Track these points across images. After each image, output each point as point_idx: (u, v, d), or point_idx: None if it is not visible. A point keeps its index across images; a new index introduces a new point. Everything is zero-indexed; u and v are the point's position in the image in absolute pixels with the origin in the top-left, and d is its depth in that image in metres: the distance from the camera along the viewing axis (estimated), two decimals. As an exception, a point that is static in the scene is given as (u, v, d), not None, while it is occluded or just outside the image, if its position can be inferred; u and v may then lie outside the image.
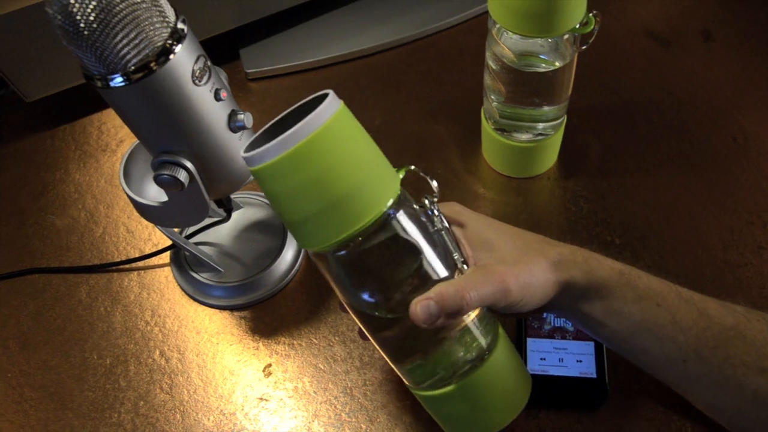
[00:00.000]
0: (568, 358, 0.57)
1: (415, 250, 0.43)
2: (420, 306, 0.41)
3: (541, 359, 0.57)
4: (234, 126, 0.52)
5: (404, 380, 0.48)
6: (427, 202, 0.45)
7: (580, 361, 0.57)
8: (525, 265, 0.45)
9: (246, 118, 0.52)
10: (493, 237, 0.47)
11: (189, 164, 0.50)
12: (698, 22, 0.82)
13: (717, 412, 0.49)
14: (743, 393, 0.45)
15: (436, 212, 0.45)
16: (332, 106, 0.39)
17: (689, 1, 0.84)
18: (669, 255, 0.63)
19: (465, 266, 0.45)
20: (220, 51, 0.81)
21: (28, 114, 0.82)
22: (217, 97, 0.50)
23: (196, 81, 0.48)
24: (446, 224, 0.45)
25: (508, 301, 0.44)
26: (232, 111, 0.52)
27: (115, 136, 0.79)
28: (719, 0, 0.84)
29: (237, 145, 0.53)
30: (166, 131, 0.49)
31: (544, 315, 0.59)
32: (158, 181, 0.50)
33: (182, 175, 0.50)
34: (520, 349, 0.58)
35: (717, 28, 0.81)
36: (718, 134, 0.71)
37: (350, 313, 0.46)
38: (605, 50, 0.80)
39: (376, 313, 0.44)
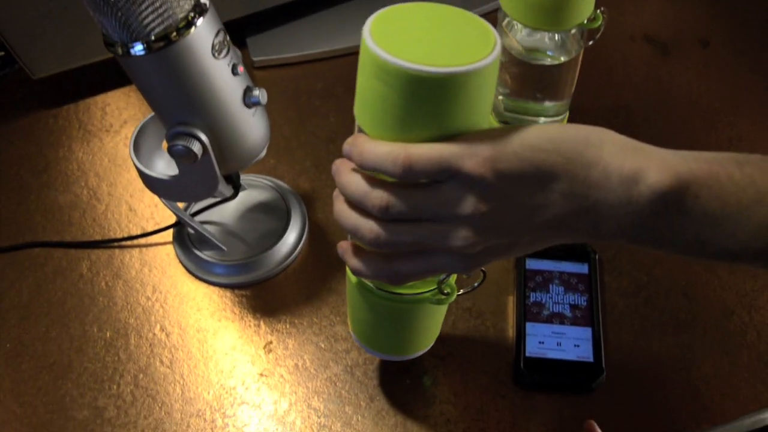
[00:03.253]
0: (565, 343, 0.58)
1: None
2: None
3: (540, 343, 0.58)
4: (249, 101, 0.52)
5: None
6: None
7: (578, 346, 0.58)
8: None
9: (261, 94, 0.53)
10: None
11: (203, 136, 0.51)
12: (697, 30, 0.84)
13: None
14: None
15: None
16: None
17: (688, 11, 0.87)
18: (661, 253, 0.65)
19: None
20: (227, 37, 0.82)
21: (32, 92, 0.82)
22: (234, 72, 0.51)
23: (216, 54, 0.49)
24: None
25: None
26: (248, 87, 0.53)
27: (119, 117, 0.79)
28: (717, 11, 0.87)
29: (251, 120, 0.53)
30: (183, 102, 0.50)
31: (543, 301, 0.61)
32: (172, 151, 0.51)
33: (196, 147, 0.51)
34: (520, 332, 0.59)
35: (714, 36, 0.83)
36: (714, 136, 0.74)
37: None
38: (606, 55, 0.82)
39: None
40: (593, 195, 0.36)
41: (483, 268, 0.47)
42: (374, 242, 0.38)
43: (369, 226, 0.38)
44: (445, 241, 0.38)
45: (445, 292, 0.46)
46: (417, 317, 0.51)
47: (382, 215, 0.37)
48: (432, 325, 0.54)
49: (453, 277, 0.47)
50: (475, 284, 0.50)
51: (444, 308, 0.53)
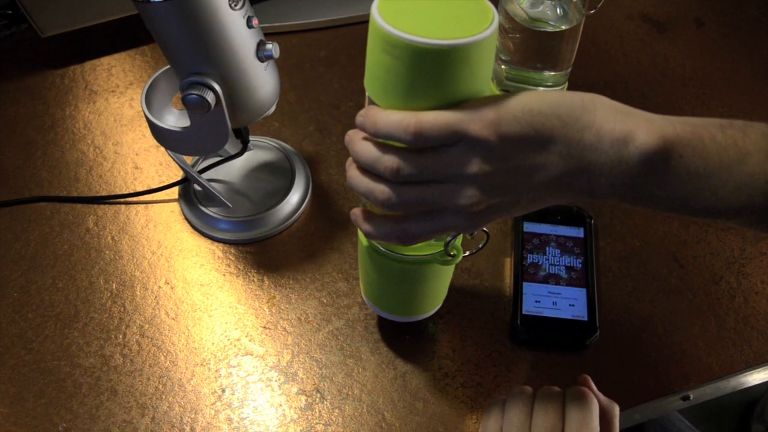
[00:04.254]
0: (561, 302, 0.60)
1: None
2: None
3: (536, 302, 0.60)
4: (262, 55, 0.54)
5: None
6: None
7: (573, 305, 0.60)
8: None
9: (274, 48, 0.54)
10: None
11: (217, 86, 0.52)
12: (692, 10, 0.87)
13: None
14: None
15: None
16: None
17: (684, -9, 0.89)
18: (658, 215, 0.67)
19: None
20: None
21: (39, 52, 0.83)
22: (249, 24, 0.52)
23: (232, 5, 0.50)
24: None
25: None
26: (261, 40, 0.54)
27: (124, 79, 0.80)
28: (712, -8, 0.89)
29: (263, 74, 0.55)
30: (198, 51, 0.51)
31: (540, 262, 0.62)
32: (186, 100, 0.52)
33: (210, 96, 0.52)
34: (517, 291, 0.61)
35: (709, 16, 0.86)
36: (707, 112, 0.76)
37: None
38: (604, 32, 0.84)
39: None
40: (587, 156, 0.39)
41: (487, 230, 0.48)
42: (386, 203, 0.41)
43: (381, 189, 0.41)
44: (453, 200, 0.40)
45: (452, 253, 0.49)
46: (425, 278, 0.53)
47: (393, 178, 0.40)
48: (439, 286, 0.56)
49: (459, 239, 0.50)
50: (480, 245, 0.52)
51: (450, 270, 0.55)
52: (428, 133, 0.38)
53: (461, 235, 0.51)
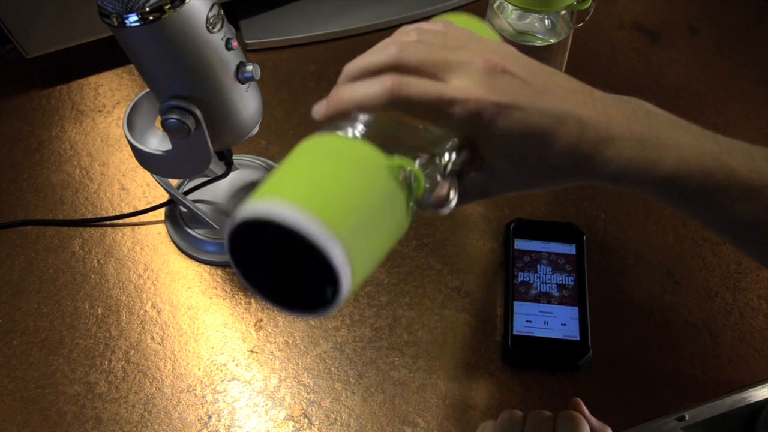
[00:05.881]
0: (552, 322, 0.59)
1: None
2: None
3: (527, 321, 0.59)
4: (242, 77, 0.53)
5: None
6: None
7: (565, 325, 0.59)
8: None
9: (254, 69, 0.53)
10: None
11: (196, 110, 0.51)
12: (685, 18, 0.85)
13: None
14: None
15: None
16: None
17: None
18: (652, 230, 0.66)
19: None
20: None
21: (26, 72, 0.82)
22: (228, 47, 0.51)
23: (210, 28, 0.49)
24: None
25: None
26: (241, 62, 0.53)
27: (111, 98, 0.80)
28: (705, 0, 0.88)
29: (243, 96, 0.54)
30: (176, 75, 0.50)
31: (531, 281, 0.61)
32: (166, 125, 0.51)
33: (190, 121, 0.51)
34: (508, 311, 0.60)
35: (703, 24, 0.84)
36: (702, 121, 0.74)
37: None
38: (597, 42, 0.82)
39: None
40: (597, 157, 0.37)
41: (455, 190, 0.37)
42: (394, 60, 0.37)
43: (387, 77, 0.37)
44: (467, 55, 0.37)
45: (412, 180, 0.35)
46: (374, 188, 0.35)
47: (396, 60, 0.37)
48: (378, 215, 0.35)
49: (421, 179, 0.35)
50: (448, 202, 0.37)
51: (396, 224, 0.36)
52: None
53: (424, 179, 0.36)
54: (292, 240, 0.31)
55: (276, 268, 0.34)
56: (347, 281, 0.32)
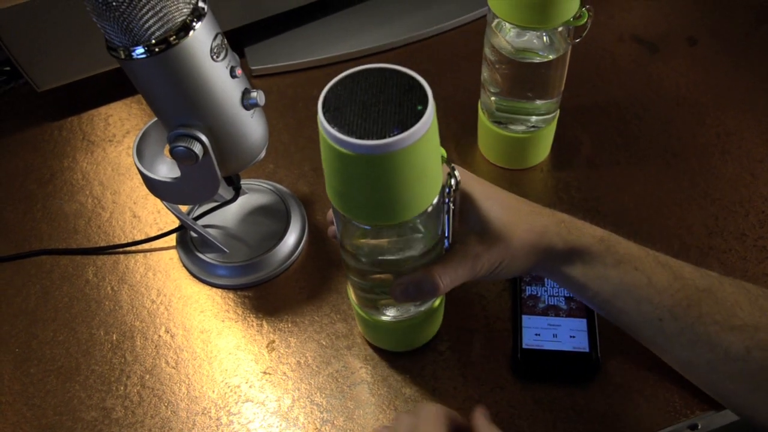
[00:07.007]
0: (561, 334, 0.59)
1: (418, 229, 0.47)
2: (400, 289, 0.48)
3: (536, 335, 0.59)
4: (247, 103, 0.54)
5: (354, 299, 0.57)
6: (453, 183, 0.47)
7: (573, 337, 0.59)
8: (506, 241, 0.50)
9: (259, 96, 0.54)
10: (486, 208, 0.50)
11: (204, 137, 0.53)
12: (684, 29, 0.86)
13: (691, 369, 0.52)
14: (715, 350, 0.49)
15: (452, 200, 0.48)
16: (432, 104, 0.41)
17: (676, 9, 0.89)
18: (657, 240, 0.66)
19: (447, 242, 0.50)
20: (225, 48, 0.84)
21: (38, 105, 0.84)
22: (233, 74, 0.53)
23: (214, 57, 0.51)
24: (453, 207, 0.48)
25: (479, 278, 0.50)
26: (246, 89, 0.54)
27: (121, 128, 0.81)
28: (704, 9, 0.88)
29: (249, 122, 0.55)
30: (183, 104, 0.52)
31: (539, 294, 0.62)
32: (174, 153, 0.53)
33: (197, 148, 0.52)
34: (516, 325, 0.60)
35: (702, 35, 0.85)
36: (702, 131, 0.75)
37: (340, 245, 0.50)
38: (595, 55, 0.83)
39: (363, 260, 0.49)
40: None
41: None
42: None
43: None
44: None
45: None
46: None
47: None
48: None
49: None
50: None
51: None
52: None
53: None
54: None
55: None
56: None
